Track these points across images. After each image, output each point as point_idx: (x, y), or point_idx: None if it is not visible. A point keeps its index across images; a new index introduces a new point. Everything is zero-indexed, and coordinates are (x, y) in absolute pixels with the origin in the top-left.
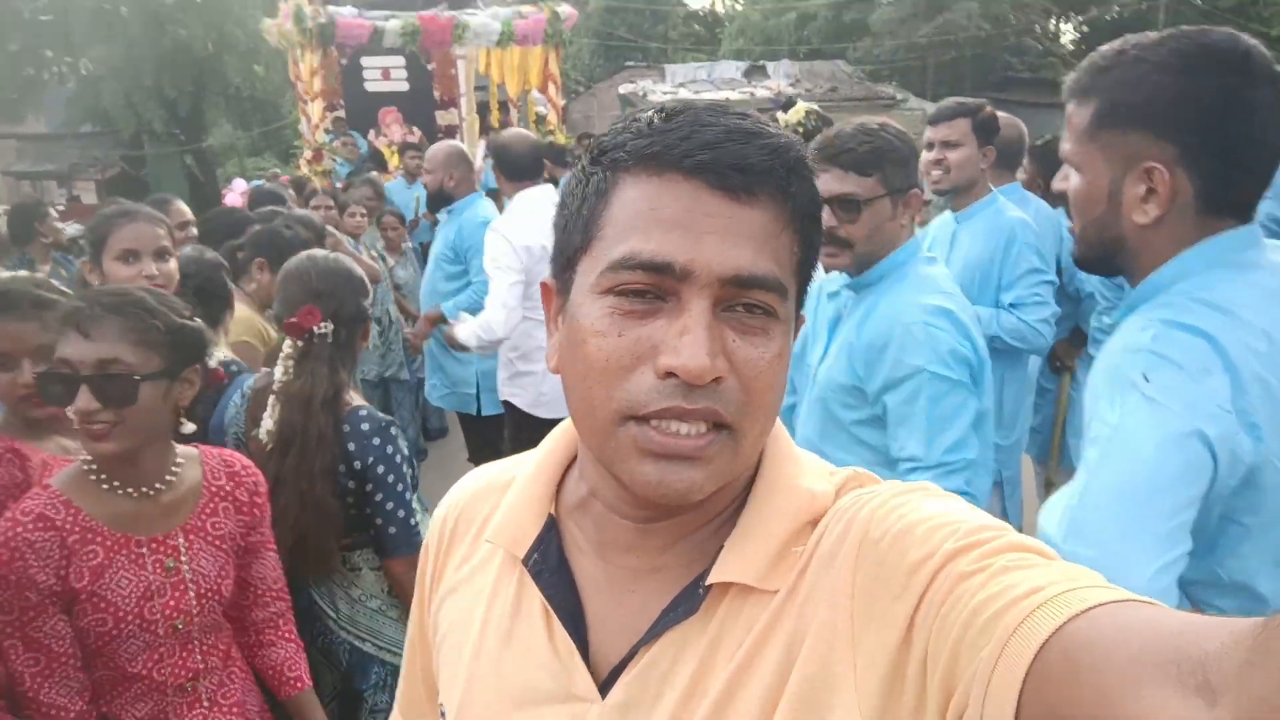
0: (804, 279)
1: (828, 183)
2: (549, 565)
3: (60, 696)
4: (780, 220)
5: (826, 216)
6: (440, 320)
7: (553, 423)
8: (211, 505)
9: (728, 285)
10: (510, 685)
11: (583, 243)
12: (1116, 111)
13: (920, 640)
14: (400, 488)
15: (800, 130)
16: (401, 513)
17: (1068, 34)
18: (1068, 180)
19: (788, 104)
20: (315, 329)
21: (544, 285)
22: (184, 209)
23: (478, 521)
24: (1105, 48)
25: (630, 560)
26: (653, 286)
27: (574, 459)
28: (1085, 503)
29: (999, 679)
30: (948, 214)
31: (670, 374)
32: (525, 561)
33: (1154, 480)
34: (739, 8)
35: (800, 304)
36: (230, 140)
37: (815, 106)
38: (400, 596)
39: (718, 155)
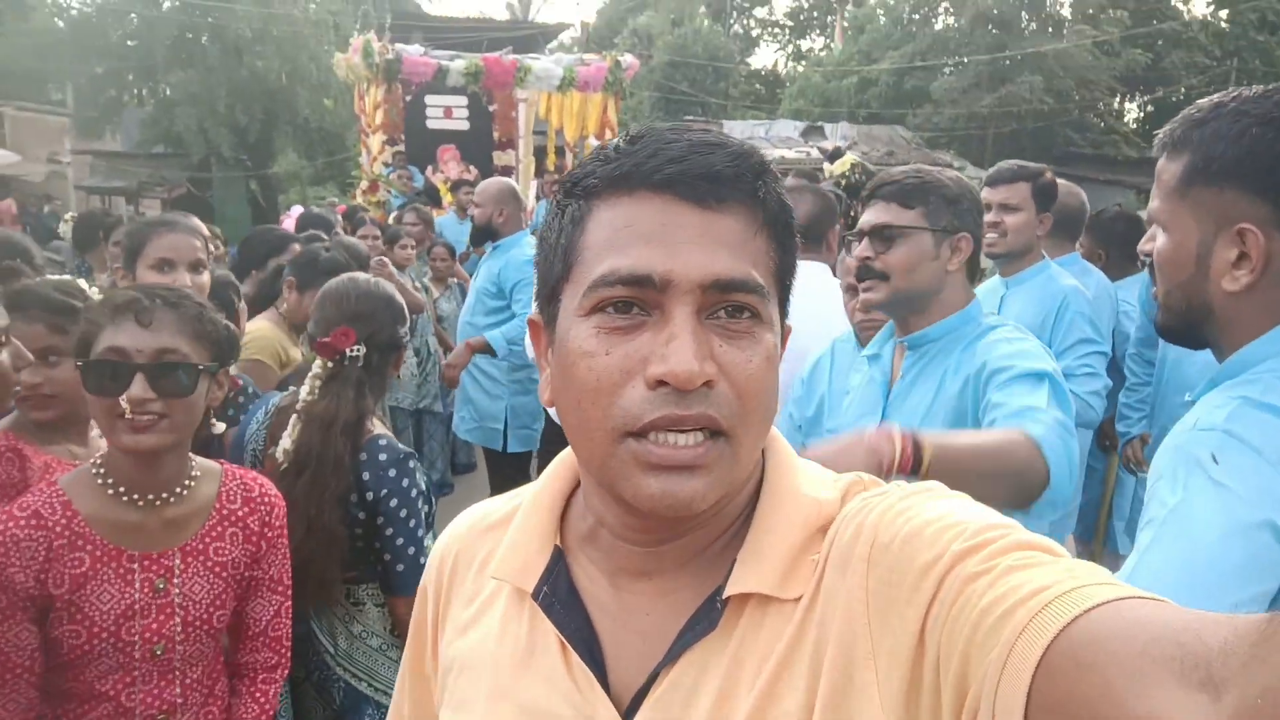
0: (784, 285)
1: (870, 215)
2: (559, 597)
3: (3, 710)
4: (753, 225)
5: (863, 248)
6: (484, 349)
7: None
8: (219, 528)
9: (708, 291)
10: (532, 719)
11: (563, 271)
12: (1210, 167)
13: (932, 644)
14: (413, 524)
15: (844, 181)
16: (411, 550)
17: (1131, 113)
18: (1154, 241)
19: (834, 154)
20: (347, 351)
21: (531, 322)
22: (201, 226)
23: (479, 557)
24: (1204, 100)
25: (642, 584)
26: (635, 301)
27: (575, 488)
28: None
29: (1007, 680)
30: (996, 279)
31: (661, 382)
32: (535, 595)
33: (1212, 573)
34: (800, 69)
35: (784, 313)
36: (295, 169)
37: (862, 160)
38: (402, 636)
39: (684, 167)
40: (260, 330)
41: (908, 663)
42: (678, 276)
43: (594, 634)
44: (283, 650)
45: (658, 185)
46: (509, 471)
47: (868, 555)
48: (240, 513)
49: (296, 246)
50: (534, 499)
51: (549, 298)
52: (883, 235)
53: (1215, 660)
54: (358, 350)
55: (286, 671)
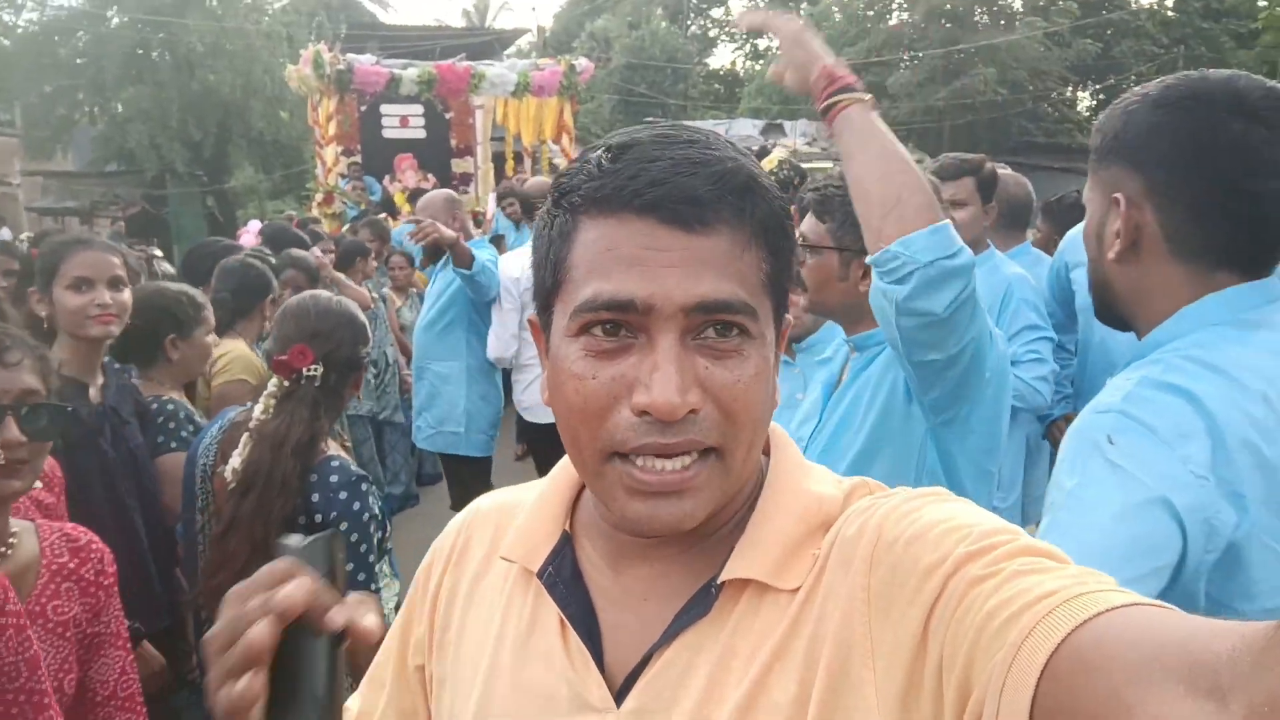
0: (778, 292)
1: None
2: (563, 578)
3: None
4: (740, 243)
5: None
6: (466, 257)
7: (533, 425)
8: (53, 585)
9: (692, 314)
10: (528, 697)
11: (554, 284)
12: (1104, 144)
13: (935, 645)
14: (363, 549)
15: (774, 177)
16: (361, 575)
17: (1084, 101)
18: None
19: (761, 153)
20: (304, 370)
21: (531, 323)
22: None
23: (491, 539)
24: None
25: (642, 570)
26: (622, 324)
27: None
28: None
29: (1013, 682)
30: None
31: (645, 411)
32: (540, 575)
33: (1106, 553)
34: (758, 68)
35: (781, 318)
36: (252, 183)
37: (789, 156)
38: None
39: (666, 191)
40: (239, 349)
41: (907, 663)
42: (660, 301)
43: (594, 615)
44: (138, 708)
45: (639, 209)
46: (468, 477)
47: (871, 554)
48: (71, 565)
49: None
50: (546, 488)
51: (544, 305)
52: (804, 245)
53: (1222, 668)
54: (315, 369)
55: None
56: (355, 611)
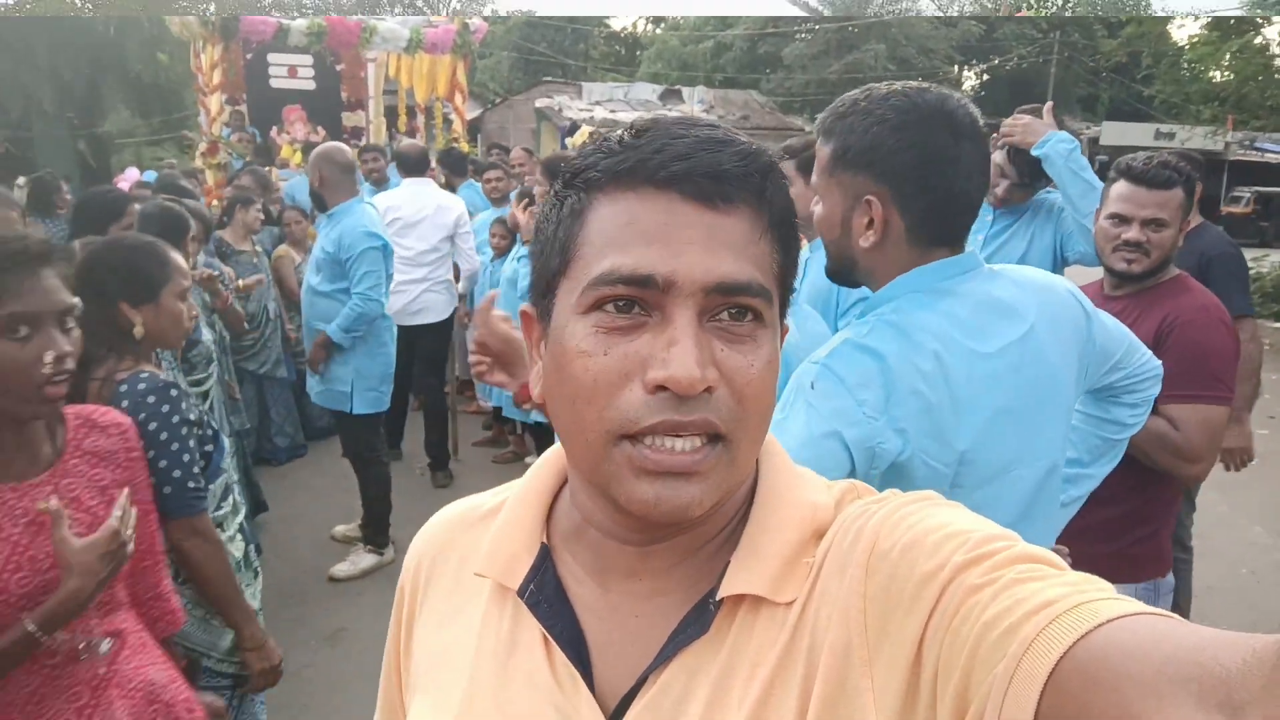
0: (785, 287)
1: None
2: (546, 595)
3: None
4: (758, 227)
5: None
6: (328, 344)
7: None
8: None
9: (711, 294)
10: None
11: (561, 265)
12: (847, 154)
13: (931, 656)
14: (175, 447)
15: None
16: (177, 473)
17: (969, 80)
18: (819, 206)
19: (572, 128)
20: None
21: (524, 313)
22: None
23: (459, 553)
24: (848, 95)
25: (632, 585)
26: (636, 301)
27: (563, 485)
28: None
29: (1014, 695)
30: (804, 244)
31: (660, 387)
32: (520, 593)
33: None
34: (658, 33)
35: (784, 313)
36: (128, 128)
37: (601, 130)
38: (184, 567)
39: (691, 165)
40: None
41: (905, 672)
42: (681, 278)
43: (580, 634)
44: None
45: (662, 182)
46: (358, 433)
47: (866, 562)
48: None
49: (136, 207)
50: (520, 495)
51: (544, 290)
52: None
53: (1234, 681)
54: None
55: None
56: None
